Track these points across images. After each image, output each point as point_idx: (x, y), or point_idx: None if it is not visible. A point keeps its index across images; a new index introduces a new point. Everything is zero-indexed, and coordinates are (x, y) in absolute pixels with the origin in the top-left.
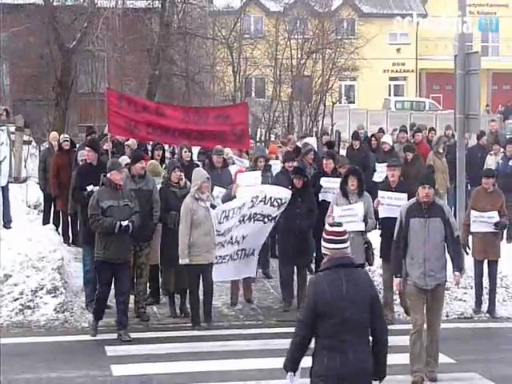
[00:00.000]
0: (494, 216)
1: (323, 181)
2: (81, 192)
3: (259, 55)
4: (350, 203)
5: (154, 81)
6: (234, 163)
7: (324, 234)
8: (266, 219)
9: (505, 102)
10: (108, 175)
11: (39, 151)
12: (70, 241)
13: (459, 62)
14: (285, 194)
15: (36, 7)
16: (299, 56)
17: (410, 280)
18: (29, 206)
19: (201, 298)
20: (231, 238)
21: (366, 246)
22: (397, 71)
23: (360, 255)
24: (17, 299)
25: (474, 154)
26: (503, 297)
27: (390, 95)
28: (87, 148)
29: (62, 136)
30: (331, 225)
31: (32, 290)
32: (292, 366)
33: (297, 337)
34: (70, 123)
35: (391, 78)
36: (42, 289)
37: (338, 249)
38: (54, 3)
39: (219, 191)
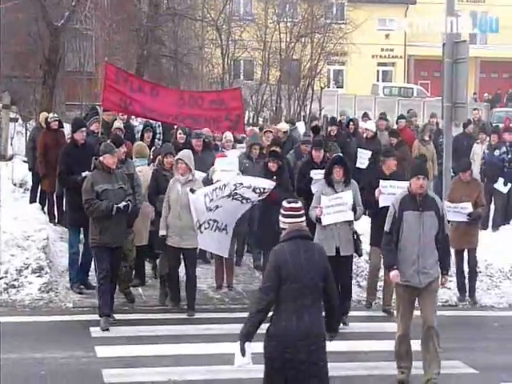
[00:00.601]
0: (468, 207)
1: (313, 173)
2: (69, 177)
3: (248, 38)
4: (336, 193)
5: (142, 61)
6: (233, 147)
7: (282, 211)
8: (244, 200)
9: (492, 90)
10: (101, 158)
11: (26, 129)
12: (56, 220)
13: (447, 51)
14: (268, 184)
15: None
16: (288, 40)
17: (401, 279)
18: (14, 185)
19: None
20: (207, 207)
21: (354, 236)
22: (385, 57)
23: (349, 246)
24: (1, 278)
25: (460, 143)
26: (487, 285)
27: (378, 81)
28: (82, 129)
29: (50, 115)
30: (289, 202)
31: (17, 269)
32: (249, 335)
33: (261, 301)
34: (57, 101)
35: (380, 64)
36: (26, 268)
37: (295, 222)
38: None
39: (199, 175)
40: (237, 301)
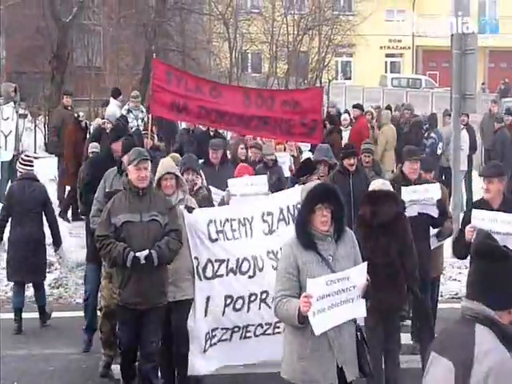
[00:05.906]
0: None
1: (405, 192)
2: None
3: (255, 31)
4: (320, 256)
5: (149, 56)
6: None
7: (21, 160)
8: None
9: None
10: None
11: (35, 125)
12: (70, 217)
13: (455, 42)
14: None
15: None
16: (295, 32)
17: None
18: None
19: None
20: (211, 238)
21: (358, 336)
22: (393, 48)
23: (355, 361)
24: None
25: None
26: None
27: (386, 72)
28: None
29: (81, 113)
30: (26, 156)
31: None
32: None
33: None
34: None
35: (388, 55)
36: None
37: (27, 170)
38: None
39: (214, 193)
40: None
